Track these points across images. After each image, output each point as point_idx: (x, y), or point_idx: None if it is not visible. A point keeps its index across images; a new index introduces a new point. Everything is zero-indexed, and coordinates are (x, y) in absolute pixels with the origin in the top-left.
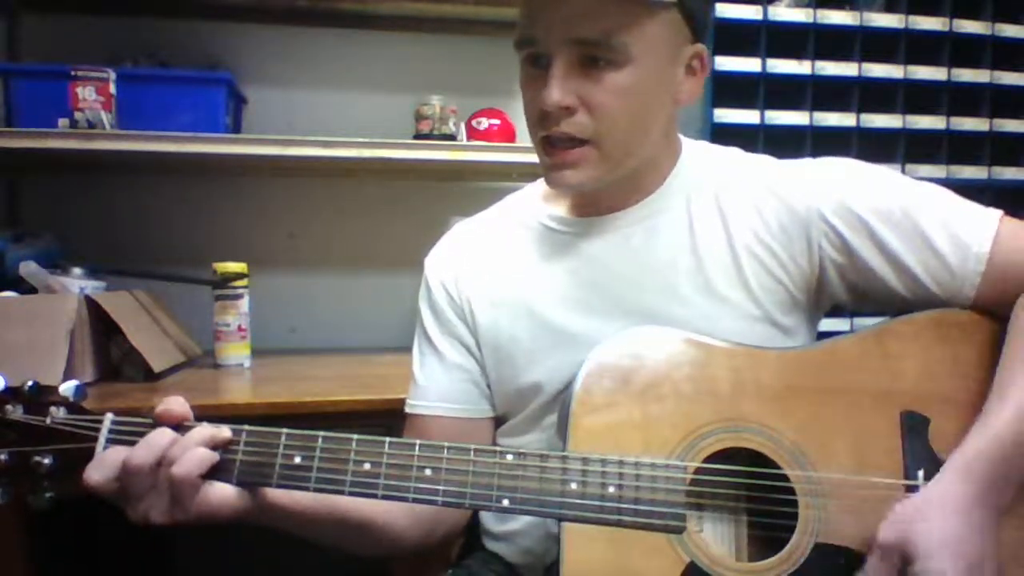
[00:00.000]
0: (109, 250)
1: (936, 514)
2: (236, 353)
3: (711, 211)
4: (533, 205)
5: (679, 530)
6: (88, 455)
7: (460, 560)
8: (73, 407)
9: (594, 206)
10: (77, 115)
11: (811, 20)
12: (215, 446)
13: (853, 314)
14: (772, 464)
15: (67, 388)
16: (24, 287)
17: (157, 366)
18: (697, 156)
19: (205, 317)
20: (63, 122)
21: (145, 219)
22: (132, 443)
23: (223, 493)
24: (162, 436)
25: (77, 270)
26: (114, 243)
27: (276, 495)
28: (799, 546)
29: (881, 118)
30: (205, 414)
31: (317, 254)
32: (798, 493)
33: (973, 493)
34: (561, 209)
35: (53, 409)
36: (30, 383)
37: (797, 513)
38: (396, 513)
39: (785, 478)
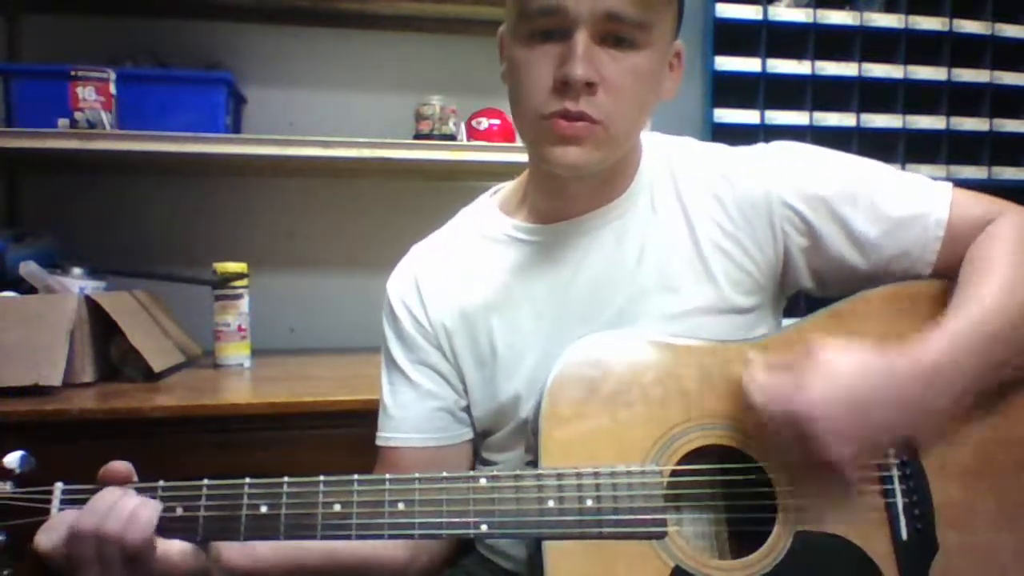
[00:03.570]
0: (109, 250)
1: (850, 360)
2: (236, 353)
3: (673, 205)
4: (493, 217)
5: (661, 536)
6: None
7: (457, 560)
8: (20, 479)
9: (562, 211)
10: (77, 115)
11: (811, 20)
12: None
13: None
14: (747, 459)
15: (11, 460)
16: (24, 287)
17: (157, 366)
18: (654, 149)
19: (205, 317)
20: (63, 122)
21: (145, 219)
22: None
23: (183, 550)
24: (107, 496)
25: (77, 270)
26: (114, 243)
27: (234, 552)
28: (782, 536)
29: (881, 118)
30: (205, 414)
31: (317, 254)
32: (775, 484)
33: (890, 380)
34: (526, 218)
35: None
36: None
37: (775, 504)
38: (373, 543)
39: (761, 471)
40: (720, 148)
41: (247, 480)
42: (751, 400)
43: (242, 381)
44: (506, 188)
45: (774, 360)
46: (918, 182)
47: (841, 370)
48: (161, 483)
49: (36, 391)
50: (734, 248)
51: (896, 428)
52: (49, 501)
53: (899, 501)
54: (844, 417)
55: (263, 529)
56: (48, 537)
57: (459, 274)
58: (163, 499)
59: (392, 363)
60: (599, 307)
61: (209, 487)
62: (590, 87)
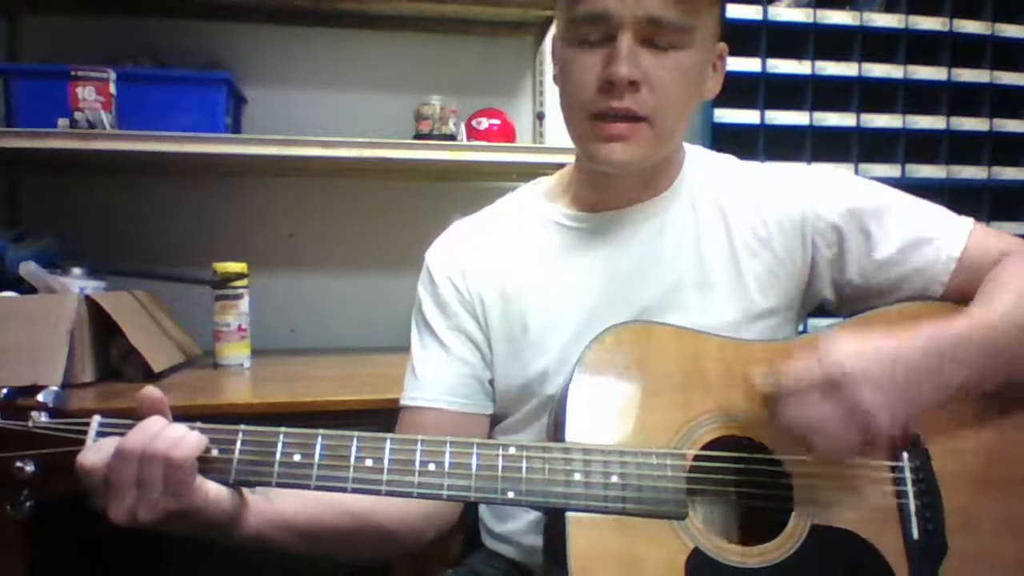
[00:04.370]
0: (109, 250)
1: (873, 342)
2: (236, 353)
3: (713, 212)
4: (538, 203)
5: (682, 516)
6: (74, 459)
7: (461, 558)
8: (55, 412)
9: (606, 202)
10: (77, 115)
11: (811, 20)
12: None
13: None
14: (765, 451)
15: (46, 394)
16: (24, 287)
17: (157, 366)
18: (698, 160)
19: (205, 317)
20: (63, 122)
21: (145, 219)
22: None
23: (218, 489)
24: (154, 422)
25: (77, 270)
26: (114, 243)
27: (262, 504)
28: (797, 528)
29: (881, 118)
30: (205, 414)
31: (317, 254)
32: (793, 477)
33: (917, 354)
34: (569, 206)
35: (34, 414)
36: (5, 390)
37: (791, 497)
38: (391, 509)
39: (779, 463)
40: (760, 165)
41: (282, 429)
42: (788, 418)
43: (242, 381)
44: (548, 179)
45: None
46: (941, 211)
47: (866, 338)
48: (199, 423)
49: (36, 391)
50: (766, 253)
51: (921, 393)
52: (85, 432)
53: (911, 502)
54: (875, 368)
55: (295, 477)
56: (92, 455)
57: (500, 253)
58: None
59: (426, 326)
60: (634, 296)
61: (245, 432)
62: (633, 85)
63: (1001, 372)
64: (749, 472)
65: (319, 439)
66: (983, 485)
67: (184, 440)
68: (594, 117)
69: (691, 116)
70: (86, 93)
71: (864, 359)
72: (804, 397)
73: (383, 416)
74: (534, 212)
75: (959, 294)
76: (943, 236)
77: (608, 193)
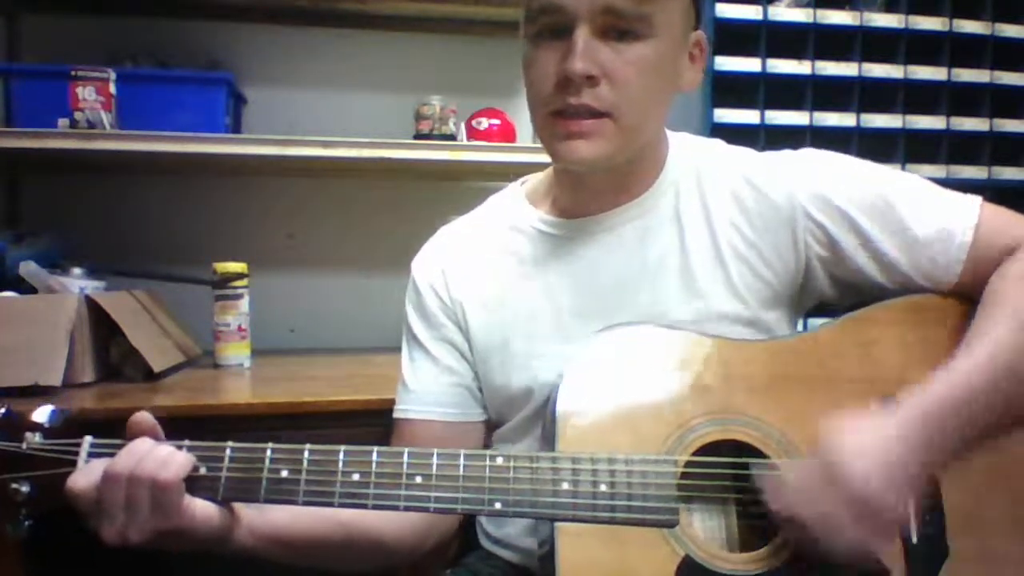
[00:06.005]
0: (109, 250)
1: (866, 431)
2: (236, 353)
3: (696, 209)
4: (520, 208)
5: (672, 524)
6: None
7: (459, 559)
8: (49, 432)
9: (584, 207)
10: (77, 115)
11: (811, 20)
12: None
13: (846, 310)
14: (761, 455)
15: (41, 414)
16: (24, 287)
17: (157, 366)
18: (682, 150)
19: (205, 317)
20: (63, 122)
21: (145, 219)
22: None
23: (206, 507)
24: (142, 443)
25: (77, 270)
26: (114, 243)
27: (254, 519)
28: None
29: (881, 118)
30: (205, 414)
31: (317, 254)
32: None
33: (907, 436)
34: (549, 211)
35: (28, 435)
36: (2, 410)
37: None
38: (386, 521)
39: (776, 468)
40: (748, 153)
41: (270, 445)
42: (796, 516)
43: (242, 381)
44: (534, 178)
45: (789, 469)
46: (947, 200)
47: (863, 427)
48: (186, 442)
49: (36, 391)
50: (754, 256)
51: (926, 471)
52: (77, 454)
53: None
54: (880, 462)
55: (282, 493)
56: (82, 478)
57: (483, 261)
58: None
59: (413, 339)
60: (618, 306)
61: (232, 449)
62: (591, 80)
63: (1006, 421)
64: (744, 477)
65: (305, 454)
66: (987, 487)
67: (171, 461)
68: (554, 114)
69: (664, 109)
70: (86, 93)
71: (866, 456)
72: (812, 499)
73: (383, 416)
74: (516, 217)
75: (969, 288)
76: (949, 234)
77: (584, 195)
